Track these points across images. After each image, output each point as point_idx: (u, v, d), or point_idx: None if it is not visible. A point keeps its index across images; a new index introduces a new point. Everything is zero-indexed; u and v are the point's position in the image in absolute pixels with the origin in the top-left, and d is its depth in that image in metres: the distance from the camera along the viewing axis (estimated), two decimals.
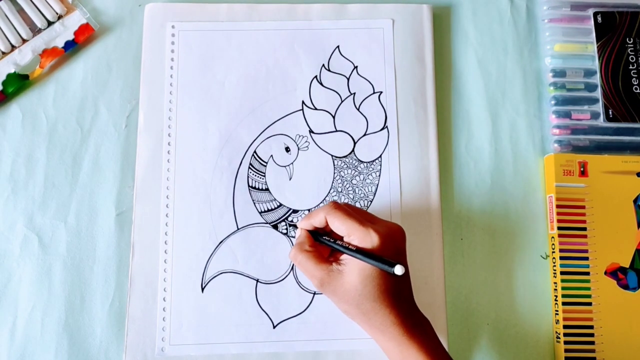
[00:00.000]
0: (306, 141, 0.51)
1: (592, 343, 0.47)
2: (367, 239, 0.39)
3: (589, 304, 0.47)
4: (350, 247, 0.40)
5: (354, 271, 0.39)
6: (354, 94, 0.52)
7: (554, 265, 0.49)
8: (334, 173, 0.50)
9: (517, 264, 0.50)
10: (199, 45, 0.52)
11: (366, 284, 0.39)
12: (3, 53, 0.51)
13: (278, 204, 0.50)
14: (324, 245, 0.43)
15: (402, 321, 0.39)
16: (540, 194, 0.51)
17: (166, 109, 0.51)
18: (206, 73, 0.52)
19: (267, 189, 0.50)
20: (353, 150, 0.51)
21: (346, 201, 0.50)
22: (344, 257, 0.41)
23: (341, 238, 0.42)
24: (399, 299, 0.40)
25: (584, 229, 0.49)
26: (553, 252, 0.49)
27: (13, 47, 0.51)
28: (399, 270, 0.37)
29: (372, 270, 0.39)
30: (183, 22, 0.52)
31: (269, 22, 0.53)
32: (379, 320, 0.39)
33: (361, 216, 0.41)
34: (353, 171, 0.50)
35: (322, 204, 0.49)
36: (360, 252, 0.39)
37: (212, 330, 0.47)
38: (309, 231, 0.44)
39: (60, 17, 0.52)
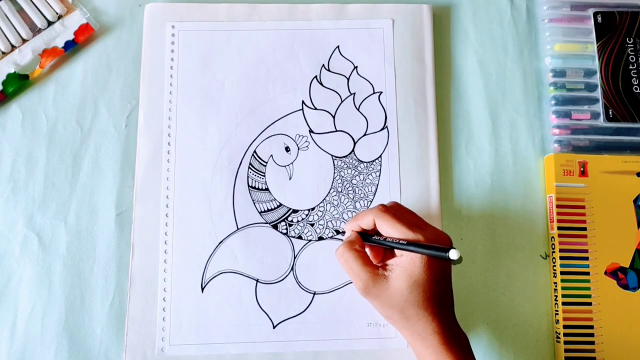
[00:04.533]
0: (306, 141, 0.51)
1: (592, 343, 0.47)
2: None
3: (589, 304, 0.47)
4: (401, 241, 0.40)
5: (401, 277, 0.39)
6: (354, 94, 0.52)
7: (554, 265, 0.49)
8: (334, 173, 0.50)
9: (517, 264, 0.50)
10: (199, 45, 0.52)
11: (412, 290, 0.39)
12: (3, 53, 0.51)
13: (278, 203, 0.49)
14: (373, 247, 0.43)
15: (443, 331, 0.39)
16: (540, 194, 0.51)
17: (166, 109, 0.51)
18: (206, 73, 0.52)
19: (267, 189, 0.50)
20: (353, 150, 0.51)
21: (346, 201, 0.50)
22: (390, 262, 0.40)
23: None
24: (441, 308, 0.40)
25: (584, 229, 0.49)
26: (553, 252, 0.49)
27: (13, 47, 0.51)
28: (454, 254, 0.36)
29: (419, 276, 0.39)
30: (183, 22, 0.52)
31: (269, 22, 0.53)
32: (421, 327, 0.39)
33: (409, 221, 0.41)
34: (353, 171, 0.50)
35: (322, 204, 0.50)
36: (412, 244, 0.39)
37: (212, 330, 0.47)
38: (358, 233, 0.43)
39: (60, 17, 0.52)
